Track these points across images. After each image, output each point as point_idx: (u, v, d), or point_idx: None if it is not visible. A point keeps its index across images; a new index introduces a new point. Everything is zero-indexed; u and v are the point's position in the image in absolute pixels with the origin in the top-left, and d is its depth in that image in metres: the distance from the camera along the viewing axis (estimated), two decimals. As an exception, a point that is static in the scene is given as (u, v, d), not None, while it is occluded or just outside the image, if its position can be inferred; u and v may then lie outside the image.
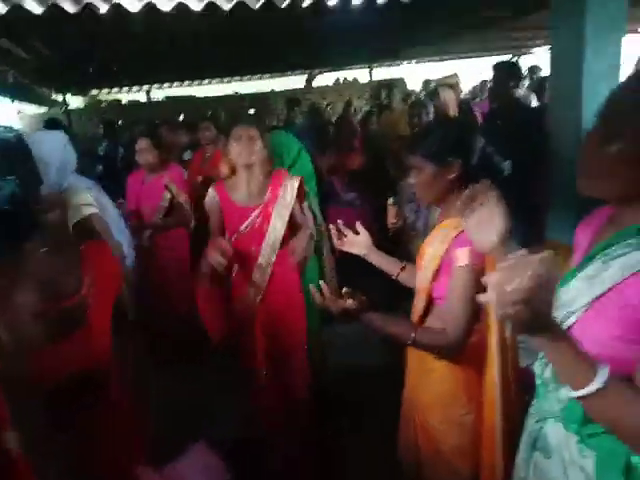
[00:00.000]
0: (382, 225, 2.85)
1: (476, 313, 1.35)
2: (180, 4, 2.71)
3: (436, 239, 1.47)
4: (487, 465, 1.43)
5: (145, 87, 9.56)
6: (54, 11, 2.73)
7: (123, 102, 10.24)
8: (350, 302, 1.39)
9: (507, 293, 0.71)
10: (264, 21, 3.74)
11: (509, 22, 5.23)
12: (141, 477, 2.04)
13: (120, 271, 1.26)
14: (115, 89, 9.41)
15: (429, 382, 1.53)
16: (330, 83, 10.49)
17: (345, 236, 1.77)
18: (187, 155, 4.48)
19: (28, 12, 2.70)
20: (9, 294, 0.97)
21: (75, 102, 9.84)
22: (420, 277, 1.50)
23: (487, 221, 1.15)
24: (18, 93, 6.38)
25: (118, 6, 2.71)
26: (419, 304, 1.50)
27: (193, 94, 9.87)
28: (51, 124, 5.73)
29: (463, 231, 1.35)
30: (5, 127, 6.09)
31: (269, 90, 10.04)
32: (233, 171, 2.27)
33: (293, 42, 5.56)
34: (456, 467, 1.53)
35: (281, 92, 9.82)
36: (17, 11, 2.67)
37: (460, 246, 1.35)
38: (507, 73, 3.29)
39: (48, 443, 0.98)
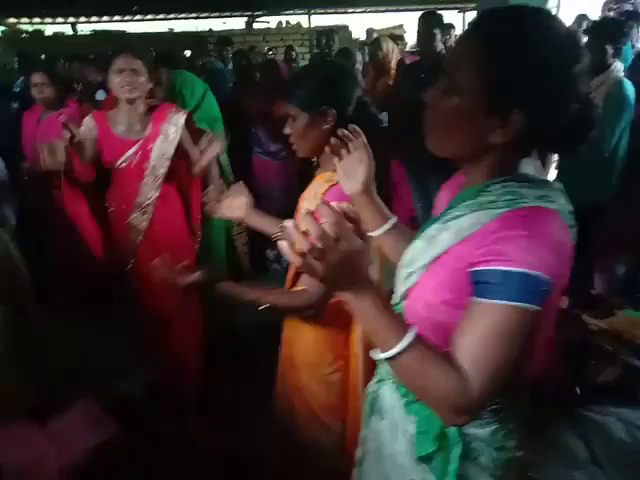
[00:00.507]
0: (306, 179, 2.77)
1: None
2: None
3: (310, 193, 1.39)
4: (352, 420, 1.43)
5: (72, 19, 8.81)
6: None
7: (47, 34, 9.41)
8: (197, 275, 1.28)
9: (297, 243, 0.64)
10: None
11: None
12: (23, 435, 1.97)
13: None
14: (37, 19, 8.62)
15: (299, 341, 1.49)
16: (273, 27, 10.05)
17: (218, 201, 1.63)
18: (100, 95, 4.12)
19: None
20: None
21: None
22: None
23: (354, 167, 1.08)
24: None
25: None
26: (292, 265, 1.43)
27: (124, 30, 9.20)
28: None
29: (334, 185, 1.29)
30: None
31: (207, 30, 9.50)
32: (115, 103, 2.15)
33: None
34: (326, 423, 1.52)
35: (218, 32, 9.30)
36: None
37: (332, 199, 1.27)
38: (431, 25, 3.19)
39: None
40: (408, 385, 0.79)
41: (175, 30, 9.55)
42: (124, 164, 2.13)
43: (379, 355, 0.75)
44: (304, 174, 2.81)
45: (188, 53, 8.79)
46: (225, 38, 6.23)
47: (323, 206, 0.66)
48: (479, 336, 0.72)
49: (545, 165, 3.12)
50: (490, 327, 0.71)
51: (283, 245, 0.65)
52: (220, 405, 2.34)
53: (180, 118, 2.18)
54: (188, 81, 2.60)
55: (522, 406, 0.92)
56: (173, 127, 2.16)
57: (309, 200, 1.38)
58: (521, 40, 0.73)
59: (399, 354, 0.72)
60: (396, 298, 0.93)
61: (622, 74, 2.79)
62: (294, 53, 7.59)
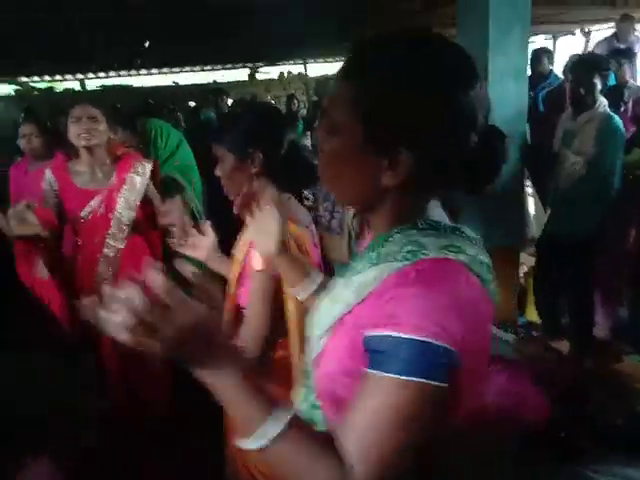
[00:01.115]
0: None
1: (277, 322, 1.20)
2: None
3: (240, 242, 1.32)
4: None
5: (80, 76, 9.15)
6: None
7: (57, 90, 9.75)
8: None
9: (118, 316, 0.55)
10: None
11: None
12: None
13: None
14: (47, 77, 8.97)
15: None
16: (275, 77, 10.32)
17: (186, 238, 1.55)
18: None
19: None
20: None
21: (5, 89, 9.33)
22: (229, 285, 1.34)
23: (266, 227, 1.01)
24: None
25: None
26: (227, 315, 1.33)
27: (131, 84, 9.51)
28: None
29: None
30: None
31: (211, 82, 9.77)
32: (77, 154, 2.12)
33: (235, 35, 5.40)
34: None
35: (220, 84, 9.56)
36: None
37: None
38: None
39: None
40: (285, 477, 0.66)
41: (180, 83, 9.85)
42: (89, 215, 2.09)
43: (242, 444, 0.63)
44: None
45: (192, 104, 9.05)
46: (219, 89, 6.37)
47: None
48: (367, 417, 0.60)
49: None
50: (379, 407, 0.59)
51: (103, 316, 0.55)
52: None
53: (146, 167, 2.16)
54: (163, 130, 2.59)
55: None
56: (139, 177, 2.13)
57: (239, 249, 1.33)
58: (395, 70, 0.64)
59: (268, 444, 0.60)
60: (307, 367, 0.81)
61: (608, 109, 2.72)
62: (296, 101, 7.73)
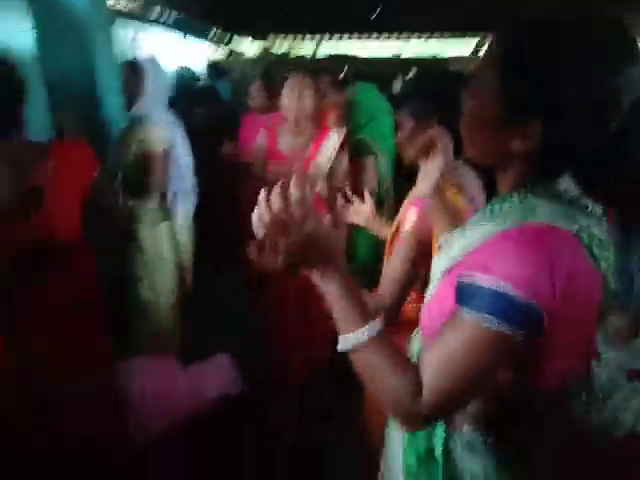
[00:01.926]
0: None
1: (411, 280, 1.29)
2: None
3: (403, 204, 1.45)
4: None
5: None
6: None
7: (290, 56, 10.80)
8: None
9: (263, 214, 0.72)
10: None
11: None
12: (167, 368, 2.41)
13: (91, 172, 1.49)
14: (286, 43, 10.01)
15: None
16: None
17: (351, 203, 1.72)
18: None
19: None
20: None
21: (251, 50, 10.68)
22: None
23: (428, 173, 1.09)
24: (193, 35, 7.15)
25: None
26: (385, 261, 1.48)
27: (357, 54, 10.01)
28: (211, 65, 6.47)
29: None
30: (183, 67, 6.76)
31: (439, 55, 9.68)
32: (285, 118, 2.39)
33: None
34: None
35: (445, 58, 9.40)
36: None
37: (415, 205, 1.31)
38: None
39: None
40: (365, 382, 0.75)
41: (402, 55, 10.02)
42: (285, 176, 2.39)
43: (340, 345, 0.74)
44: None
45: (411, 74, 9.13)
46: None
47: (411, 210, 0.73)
48: (443, 347, 0.69)
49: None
50: (455, 340, 0.68)
51: (254, 216, 0.73)
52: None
53: (340, 134, 2.34)
54: (369, 94, 2.76)
55: (523, 448, 0.81)
56: (332, 142, 2.33)
57: (404, 206, 1.44)
58: (535, 45, 0.69)
59: (358, 345, 0.71)
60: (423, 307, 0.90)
61: None
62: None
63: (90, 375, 1.54)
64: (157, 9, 5.33)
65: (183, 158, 2.53)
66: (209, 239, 2.94)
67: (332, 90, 2.88)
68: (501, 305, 0.64)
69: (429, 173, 1.08)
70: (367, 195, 1.73)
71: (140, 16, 4.95)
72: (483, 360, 0.67)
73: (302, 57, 10.57)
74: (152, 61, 2.51)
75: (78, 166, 1.43)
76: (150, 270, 2.43)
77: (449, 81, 1.41)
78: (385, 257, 1.49)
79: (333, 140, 2.32)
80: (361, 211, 1.70)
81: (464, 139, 0.83)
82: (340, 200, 1.74)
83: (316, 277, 0.75)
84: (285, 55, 10.59)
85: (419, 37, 9.51)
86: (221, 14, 6.41)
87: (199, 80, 8.06)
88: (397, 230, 1.42)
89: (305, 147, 2.34)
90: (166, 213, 2.47)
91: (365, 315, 0.74)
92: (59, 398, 1.43)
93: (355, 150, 2.58)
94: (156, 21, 5.51)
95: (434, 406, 0.68)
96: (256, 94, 3.54)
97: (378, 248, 2.96)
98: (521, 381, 0.72)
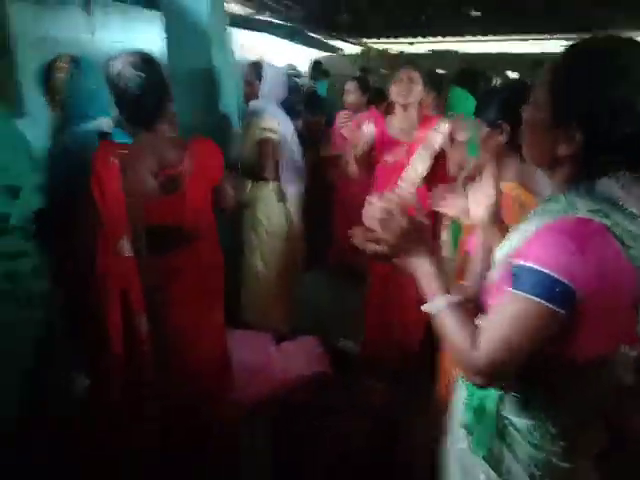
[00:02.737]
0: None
1: None
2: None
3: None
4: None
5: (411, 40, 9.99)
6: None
7: (391, 51, 10.87)
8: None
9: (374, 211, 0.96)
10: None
11: None
12: (263, 342, 2.64)
13: (220, 168, 1.74)
14: (388, 40, 10.10)
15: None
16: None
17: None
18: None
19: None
20: (138, 157, 1.53)
21: (353, 49, 10.89)
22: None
23: (481, 194, 1.19)
24: (297, 38, 7.47)
25: None
26: (458, 259, 1.59)
27: (457, 50, 9.89)
28: (316, 65, 6.74)
29: None
30: (290, 65, 7.20)
31: (536, 52, 9.32)
32: (393, 109, 2.54)
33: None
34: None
35: (543, 54, 9.01)
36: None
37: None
38: None
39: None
40: (441, 338, 0.94)
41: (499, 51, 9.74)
42: (391, 160, 2.51)
43: (426, 307, 0.94)
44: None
45: (511, 73, 8.90)
46: (539, 61, 6.13)
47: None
48: (494, 317, 0.85)
49: None
50: (502, 312, 0.84)
51: (364, 213, 0.94)
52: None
53: (445, 127, 2.44)
54: (462, 98, 2.86)
55: (572, 417, 0.93)
56: (438, 134, 2.43)
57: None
58: (577, 64, 0.83)
59: (438, 310, 0.91)
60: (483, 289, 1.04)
61: None
62: None
63: (212, 343, 1.81)
64: (266, 14, 5.68)
65: (294, 147, 2.80)
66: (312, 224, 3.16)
67: (430, 87, 2.99)
68: (544, 285, 0.78)
69: (481, 198, 1.18)
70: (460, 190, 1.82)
71: (250, 20, 5.32)
72: (527, 330, 0.81)
73: (400, 53, 10.62)
74: (270, 63, 2.78)
75: (210, 158, 1.67)
76: (264, 245, 2.75)
77: (519, 91, 1.45)
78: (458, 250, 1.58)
79: (442, 128, 2.42)
80: (456, 205, 1.80)
81: (522, 144, 0.97)
82: (438, 191, 1.84)
83: (411, 262, 0.96)
84: (383, 52, 10.69)
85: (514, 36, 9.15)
86: (324, 20, 6.68)
87: (299, 77, 8.44)
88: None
89: (412, 132, 2.48)
90: (280, 195, 2.76)
91: (446, 289, 0.94)
92: (189, 364, 1.70)
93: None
94: (264, 26, 5.87)
95: (487, 364, 0.83)
96: (351, 92, 3.74)
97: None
98: (557, 353, 0.85)
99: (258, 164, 2.64)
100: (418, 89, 2.42)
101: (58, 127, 1.88)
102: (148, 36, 3.76)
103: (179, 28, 3.01)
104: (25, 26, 2.88)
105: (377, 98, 4.10)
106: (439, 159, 2.47)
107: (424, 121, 2.50)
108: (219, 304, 1.85)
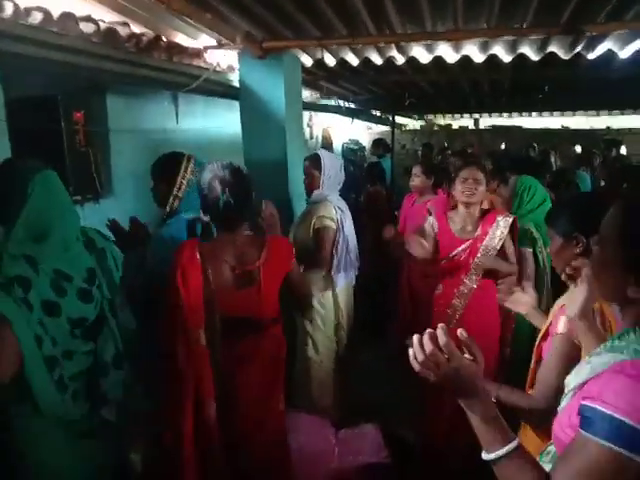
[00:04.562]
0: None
1: None
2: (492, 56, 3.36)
3: (555, 304, 1.51)
4: None
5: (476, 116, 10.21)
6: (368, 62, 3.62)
7: (454, 127, 11.07)
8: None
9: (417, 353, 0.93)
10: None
11: None
12: (321, 428, 2.63)
13: (290, 262, 1.85)
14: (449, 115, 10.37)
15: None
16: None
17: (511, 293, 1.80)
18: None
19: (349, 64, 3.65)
20: (219, 254, 1.67)
21: (415, 123, 11.21)
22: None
23: (577, 296, 1.23)
24: (358, 115, 7.82)
25: (413, 59, 3.42)
26: (533, 362, 1.55)
27: (520, 124, 9.93)
28: (377, 141, 7.00)
29: None
30: (353, 140, 7.65)
31: (604, 127, 9.22)
32: (455, 205, 2.61)
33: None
34: None
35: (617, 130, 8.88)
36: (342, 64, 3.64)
37: (563, 314, 1.37)
38: None
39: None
40: None
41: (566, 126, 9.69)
42: (454, 257, 2.55)
43: (483, 455, 0.91)
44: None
45: (579, 149, 8.79)
46: (615, 141, 6.04)
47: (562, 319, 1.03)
48: (569, 466, 0.82)
49: None
50: (579, 460, 0.80)
51: (410, 352, 0.93)
52: None
53: (507, 222, 2.48)
54: (531, 187, 2.86)
55: None
56: (499, 230, 2.47)
57: (551, 312, 1.52)
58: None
59: (498, 459, 0.88)
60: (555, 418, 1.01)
61: None
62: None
63: (274, 429, 1.85)
64: (334, 99, 6.04)
65: (350, 237, 2.87)
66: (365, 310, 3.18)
67: (497, 180, 3.04)
68: (619, 432, 0.76)
69: (578, 296, 1.21)
70: (527, 286, 1.80)
71: (317, 105, 5.68)
72: (602, 477, 0.77)
73: (464, 128, 10.80)
74: (328, 154, 2.93)
75: (283, 255, 1.81)
76: (315, 331, 2.77)
77: (594, 204, 1.47)
78: (534, 355, 1.54)
79: (501, 226, 2.45)
80: (521, 301, 1.77)
81: (595, 280, 1.01)
82: (503, 287, 1.83)
83: (461, 402, 0.94)
84: (447, 127, 10.91)
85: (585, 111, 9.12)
86: (389, 102, 7.00)
87: (362, 151, 8.76)
88: (547, 331, 1.48)
89: (473, 229, 2.52)
90: (331, 282, 2.80)
91: (503, 437, 0.90)
92: (253, 450, 1.76)
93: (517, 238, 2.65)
94: (330, 109, 6.23)
95: None
96: (417, 175, 3.84)
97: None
98: None
99: (314, 251, 2.70)
100: (482, 189, 2.48)
101: (165, 217, 2.07)
102: (225, 123, 4.10)
103: (255, 116, 3.27)
104: (119, 116, 3.23)
105: (443, 179, 4.20)
106: (500, 253, 2.50)
107: (487, 216, 2.54)
108: (280, 390, 1.90)
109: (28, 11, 1.88)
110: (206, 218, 1.74)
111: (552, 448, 1.10)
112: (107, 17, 2.41)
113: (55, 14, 1.99)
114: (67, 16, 2.06)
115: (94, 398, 1.58)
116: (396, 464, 2.50)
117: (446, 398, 2.45)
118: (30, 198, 1.42)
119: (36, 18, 1.89)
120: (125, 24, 2.44)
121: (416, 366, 0.92)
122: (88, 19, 2.18)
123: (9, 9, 1.76)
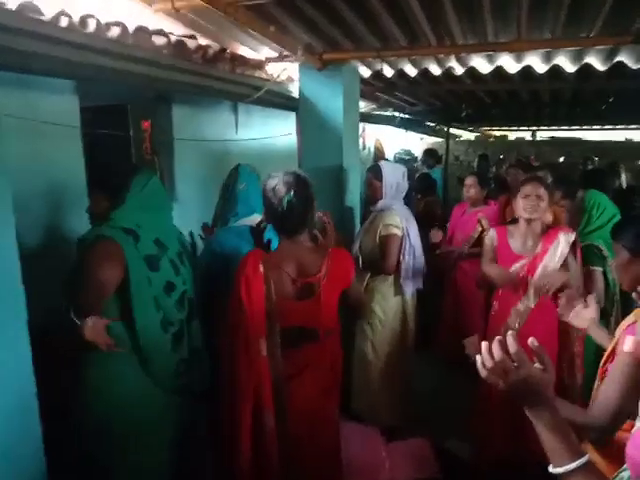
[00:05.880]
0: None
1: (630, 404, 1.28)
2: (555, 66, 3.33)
3: (623, 321, 1.46)
4: None
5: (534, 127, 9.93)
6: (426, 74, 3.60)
7: (509, 138, 10.80)
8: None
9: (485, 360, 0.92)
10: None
11: None
12: (373, 440, 2.60)
13: (350, 276, 1.84)
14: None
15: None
16: None
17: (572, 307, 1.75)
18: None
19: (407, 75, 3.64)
20: (280, 264, 1.69)
21: (469, 135, 11.01)
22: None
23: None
24: (412, 127, 7.79)
25: (472, 69, 3.38)
26: (597, 382, 1.49)
27: (580, 137, 9.58)
28: (428, 151, 6.96)
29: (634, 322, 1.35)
30: (405, 150, 7.69)
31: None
32: (515, 219, 2.53)
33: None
34: None
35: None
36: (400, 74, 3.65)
37: (630, 334, 1.33)
38: None
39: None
40: None
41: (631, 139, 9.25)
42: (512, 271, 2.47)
43: (550, 468, 0.88)
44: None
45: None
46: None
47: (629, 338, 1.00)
48: None
49: None
50: None
51: (477, 358, 0.92)
52: None
53: (568, 238, 2.39)
54: (601, 203, 2.74)
55: None
56: (560, 247, 2.38)
57: (619, 330, 1.46)
58: None
59: (567, 474, 0.85)
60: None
61: None
62: None
63: (328, 438, 1.85)
64: (389, 110, 6.04)
65: (416, 245, 2.85)
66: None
67: (563, 196, 2.94)
68: None
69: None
70: (591, 300, 1.73)
71: (373, 115, 5.70)
72: None
73: (520, 139, 10.52)
74: (388, 164, 2.93)
75: (343, 266, 1.81)
76: (377, 336, 2.80)
77: None
78: (597, 377, 1.49)
79: (562, 244, 2.37)
80: (584, 316, 1.71)
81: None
82: (564, 301, 1.77)
83: (529, 412, 0.91)
84: (502, 138, 10.66)
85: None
86: (443, 114, 6.94)
87: (415, 161, 8.69)
88: (613, 350, 1.43)
89: (534, 246, 2.45)
90: (398, 289, 2.82)
91: (571, 451, 0.86)
92: (307, 459, 1.77)
93: (583, 256, 2.56)
94: (385, 120, 6.24)
95: None
96: (471, 187, 3.78)
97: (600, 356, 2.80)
98: None
99: (381, 258, 2.72)
100: (544, 205, 2.41)
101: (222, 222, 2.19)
102: (281, 134, 4.18)
103: (313, 127, 3.33)
104: (183, 126, 3.35)
105: (500, 191, 4.12)
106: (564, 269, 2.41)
107: (548, 233, 2.46)
108: (335, 401, 1.90)
109: (108, 26, 2.00)
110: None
111: (625, 474, 1.05)
112: (177, 30, 2.52)
113: (131, 28, 2.10)
114: (141, 30, 2.17)
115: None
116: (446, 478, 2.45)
117: (503, 409, 2.41)
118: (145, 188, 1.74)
119: (114, 33, 2.00)
120: (193, 37, 2.55)
121: (483, 373, 0.91)
122: (160, 32, 2.29)
123: (92, 25, 1.87)
